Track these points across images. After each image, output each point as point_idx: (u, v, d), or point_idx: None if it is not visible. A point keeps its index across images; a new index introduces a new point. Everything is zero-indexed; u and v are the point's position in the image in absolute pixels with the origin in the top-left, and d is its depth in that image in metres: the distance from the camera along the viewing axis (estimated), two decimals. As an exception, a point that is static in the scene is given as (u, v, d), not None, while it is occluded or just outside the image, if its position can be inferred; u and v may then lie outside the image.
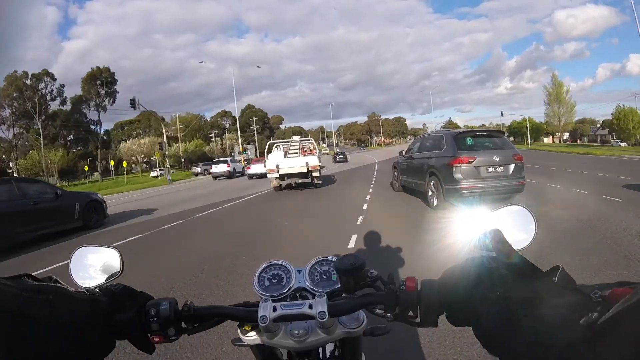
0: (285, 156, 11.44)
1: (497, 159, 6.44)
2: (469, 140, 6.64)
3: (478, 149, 6.57)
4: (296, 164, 10.97)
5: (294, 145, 12.30)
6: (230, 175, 24.17)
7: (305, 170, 10.95)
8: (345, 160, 35.34)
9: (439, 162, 6.76)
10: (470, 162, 6.27)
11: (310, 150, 12.31)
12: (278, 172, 10.88)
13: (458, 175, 6.25)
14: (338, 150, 47.17)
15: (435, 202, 6.76)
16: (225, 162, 25.00)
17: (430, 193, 6.99)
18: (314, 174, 11.15)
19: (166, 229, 7.02)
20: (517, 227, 0.57)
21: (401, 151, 9.58)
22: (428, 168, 7.11)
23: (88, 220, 7.67)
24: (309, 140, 13.46)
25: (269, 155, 11.81)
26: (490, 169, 6.44)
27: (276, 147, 13.05)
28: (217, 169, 24.52)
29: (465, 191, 6.17)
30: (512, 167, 6.60)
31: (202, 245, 5.40)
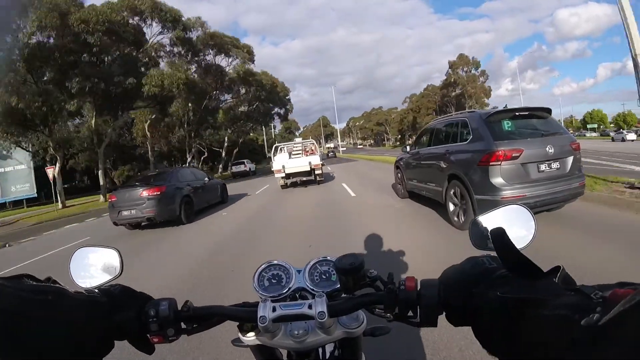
0: (289, 157, 12.41)
1: (551, 151, 4.24)
2: (507, 125, 4.43)
3: (522, 136, 4.36)
4: (300, 164, 11.87)
5: (297, 147, 13.79)
6: (246, 173, 28.10)
7: (308, 169, 11.82)
8: (334, 156, 46.33)
9: (463, 160, 4.56)
10: (515, 158, 4.06)
11: (312, 150, 13.46)
12: (284, 171, 11.80)
13: (497, 180, 4.04)
14: (330, 150, 56.88)
15: (462, 219, 4.57)
16: (243, 163, 29.15)
17: (451, 206, 4.79)
18: (317, 172, 12.02)
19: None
20: (516, 227, 0.54)
21: (405, 146, 7.40)
22: (447, 169, 4.90)
23: (222, 197, 10.59)
24: (310, 141, 15.05)
25: (275, 157, 12.70)
26: (543, 166, 4.24)
27: (281, 149, 14.15)
28: (237, 168, 28.62)
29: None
30: (569, 161, 4.41)
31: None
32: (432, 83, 60.30)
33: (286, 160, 12.04)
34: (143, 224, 7.71)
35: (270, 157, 16.36)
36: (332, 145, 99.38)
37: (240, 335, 0.61)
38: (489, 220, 0.55)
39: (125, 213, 7.37)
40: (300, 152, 13.13)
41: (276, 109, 38.55)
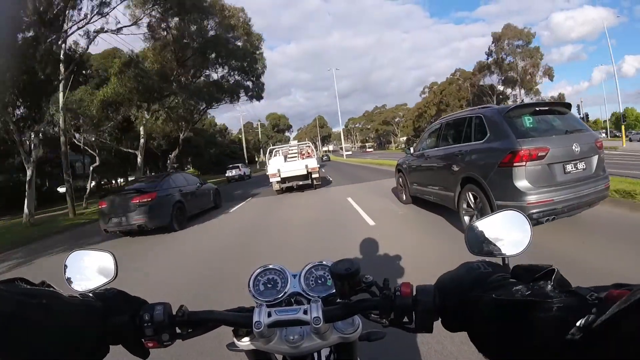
0: (285, 160, 11.80)
1: (577, 149, 3.78)
2: (528, 121, 3.95)
3: (545, 133, 3.89)
4: (296, 167, 11.28)
5: (292, 150, 13.05)
6: (241, 178, 26.78)
7: (305, 172, 11.20)
8: (328, 159, 43.64)
9: (481, 161, 4.06)
10: (541, 158, 3.58)
11: (309, 153, 12.65)
12: (280, 176, 11.16)
13: (522, 183, 3.55)
14: (324, 153, 54.91)
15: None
16: (238, 167, 28.05)
17: (465, 213, 4.28)
18: (314, 176, 11.45)
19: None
20: (512, 232, 0.55)
21: (407, 147, 6.92)
22: (459, 171, 4.40)
23: (215, 203, 10.21)
24: (306, 144, 14.17)
25: (269, 161, 12.04)
26: (569, 167, 3.77)
27: (276, 152, 13.41)
28: (230, 173, 27.43)
29: (536, 210, 3.48)
30: (594, 160, 3.96)
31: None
32: (461, 67, 46.94)
33: (282, 164, 11.41)
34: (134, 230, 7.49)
35: (251, 163, 15.63)
36: (330, 148, 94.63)
37: (235, 339, 0.60)
38: (486, 226, 0.56)
39: (115, 220, 7.09)
40: (296, 155, 12.48)
41: (243, 81, 21.56)
